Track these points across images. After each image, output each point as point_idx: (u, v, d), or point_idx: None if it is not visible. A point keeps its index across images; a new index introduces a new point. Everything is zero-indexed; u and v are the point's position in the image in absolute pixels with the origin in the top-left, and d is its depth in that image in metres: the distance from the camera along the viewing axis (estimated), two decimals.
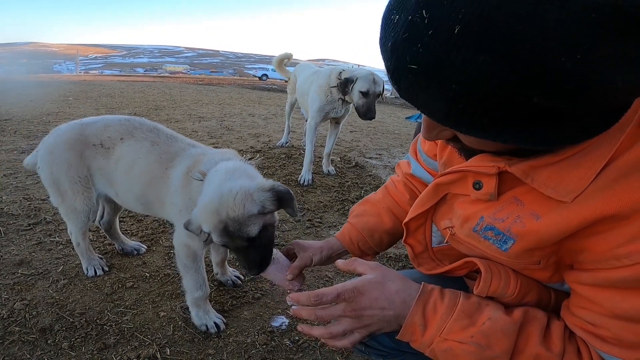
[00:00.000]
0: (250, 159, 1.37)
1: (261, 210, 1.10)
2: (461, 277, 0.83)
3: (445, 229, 0.77)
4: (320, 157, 3.90)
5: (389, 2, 0.51)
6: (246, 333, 1.54)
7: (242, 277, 1.89)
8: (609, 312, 0.56)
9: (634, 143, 0.53)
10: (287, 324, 1.60)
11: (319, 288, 0.74)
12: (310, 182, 3.33)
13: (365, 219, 1.07)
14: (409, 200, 1.02)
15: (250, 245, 1.09)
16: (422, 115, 0.59)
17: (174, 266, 1.90)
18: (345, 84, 3.06)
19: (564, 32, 0.38)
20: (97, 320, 1.53)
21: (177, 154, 1.47)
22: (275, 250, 1.10)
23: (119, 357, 1.37)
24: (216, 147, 1.62)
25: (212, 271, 1.87)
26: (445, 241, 0.79)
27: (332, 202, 2.98)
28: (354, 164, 4.15)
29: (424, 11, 0.43)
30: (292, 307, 0.77)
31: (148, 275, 1.87)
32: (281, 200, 1.13)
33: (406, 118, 9.22)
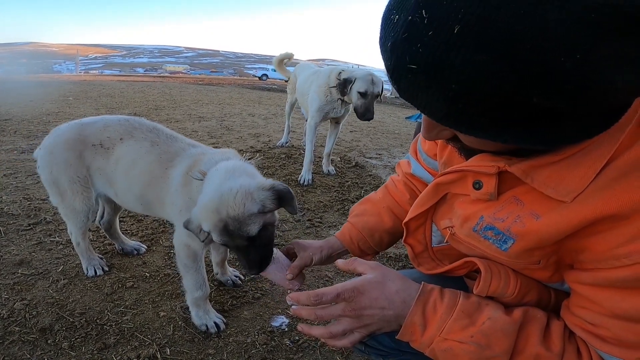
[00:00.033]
0: (250, 158, 1.37)
1: (261, 209, 1.10)
2: (461, 277, 0.83)
3: (445, 228, 0.77)
4: (320, 157, 3.90)
5: (389, 2, 0.51)
6: (246, 333, 1.54)
7: (242, 277, 1.89)
8: (608, 312, 0.56)
9: (634, 142, 0.53)
10: (287, 323, 1.60)
11: (319, 288, 0.74)
12: (310, 182, 3.33)
13: (365, 218, 1.07)
14: (409, 200, 1.02)
15: (250, 244, 1.09)
16: (422, 115, 0.59)
17: (174, 266, 1.90)
18: (343, 85, 3.06)
19: (564, 32, 0.38)
20: (97, 320, 1.53)
21: (176, 154, 1.47)
22: (275, 250, 1.10)
23: (119, 357, 1.37)
24: (216, 147, 1.62)
25: (212, 271, 1.87)
26: (445, 241, 0.79)
27: (332, 202, 2.98)
28: (354, 163, 4.15)
29: (423, 11, 0.43)
30: (292, 306, 0.77)
31: (148, 275, 1.87)
32: (281, 198, 1.13)
33: (406, 118, 9.22)
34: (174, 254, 1.56)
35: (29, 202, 2.54)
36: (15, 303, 1.58)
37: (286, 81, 4.85)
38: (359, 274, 0.75)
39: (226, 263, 1.86)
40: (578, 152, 0.55)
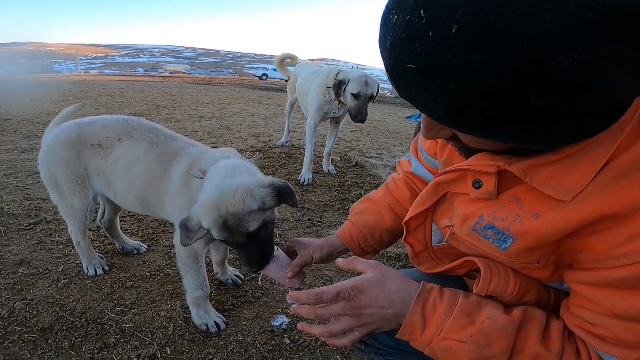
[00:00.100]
0: (249, 157, 1.38)
1: (261, 206, 1.10)
2: (461, 276, 0.83)
3: (445, 227, 0.77)
4: (320, 157, 3.90)
5: (388, 1, 0.51)
6: (246, 332, 1.55)
7: (243, 277, 1.89)
8: (608, 312, 0.56)
9: (633, 142, 0.53)
10: (287, 323, 1.60)
11: (319, 287, 0.74)
12: (310, 181, 3.33)
13: (365, 216, 1.07)
14: (410, 199, 1.02)
15: (249, 241, 1.09)
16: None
17: (174, 265, 1.90)
18: (338, 86, 3.04)
19: (563, 32, 0.38)
20: (98, 320, 1.54)
21: (176, 154, 1.47)
22: (275, 248, 1.10)
23: (120, 356, 1.37)
24: (216, 147, 1.62)
25: (213, 270, 1.87)
26: (445, 240, 0.80)
27: (332, 202, 2.98)
28: (354, 163, 4.15)
29: (422, 11, 0.44)
30: (292, 305, 0.77)
31: (148, 274, 1.87)
32: (281, 194, 1.14)
33: (406, 117, 9.21)
34: (174, 253, 1.56)
35: (29, 202, 2.54)
36: (15, 302, 1.58)
37: (286, 81, 4.85)
38: (359, 273, 0.75)
39: (226, 262, 1.86)
40: (578, 151, 0.55)
